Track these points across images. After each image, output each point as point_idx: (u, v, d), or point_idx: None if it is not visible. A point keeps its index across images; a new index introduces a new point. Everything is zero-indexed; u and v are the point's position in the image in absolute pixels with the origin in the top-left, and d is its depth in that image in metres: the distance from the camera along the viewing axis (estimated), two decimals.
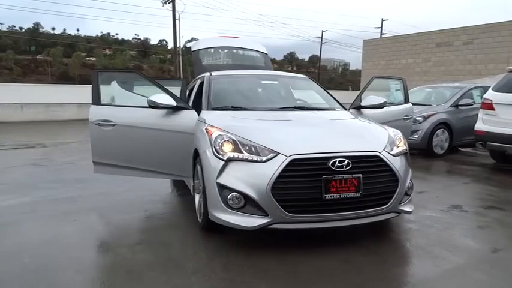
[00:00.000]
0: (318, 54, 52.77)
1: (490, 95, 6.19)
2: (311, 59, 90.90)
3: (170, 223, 3.56)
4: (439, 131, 7.41)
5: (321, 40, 49.84)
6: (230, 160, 2.85)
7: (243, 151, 2.87)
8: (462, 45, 16.61)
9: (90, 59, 63.06)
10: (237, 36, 6.22)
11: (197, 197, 3.53)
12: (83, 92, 15.25)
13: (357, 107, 4.27)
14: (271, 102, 4.09)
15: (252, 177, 2.77)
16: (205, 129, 3.25)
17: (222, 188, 2.85)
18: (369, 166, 2.90)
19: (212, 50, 5.84)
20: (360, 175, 2.83)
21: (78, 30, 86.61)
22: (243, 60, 5.88)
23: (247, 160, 2.83)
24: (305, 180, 2.76)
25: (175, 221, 3.63)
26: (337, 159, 2.80)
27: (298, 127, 3.29)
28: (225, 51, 5.93)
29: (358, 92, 5.03)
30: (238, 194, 2.79)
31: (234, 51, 5.94)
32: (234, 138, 2.95)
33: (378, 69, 20.17)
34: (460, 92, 7.99)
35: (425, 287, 2.41)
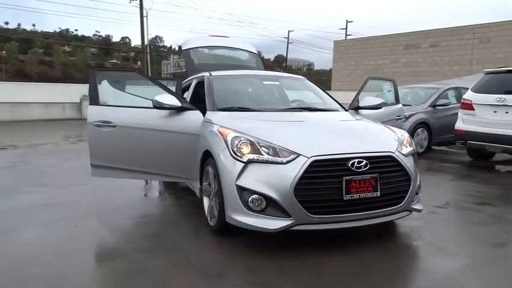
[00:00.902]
0: (284, 54, 53.34)
1: (470, 95, 6.48)
2: (276, 59, 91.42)
3: (176, 226, 3.47)
4: (419, 130, 7.68)
5: (288, 40, 50.36)
6: (250, 162, 2.82)
7: (263, 153, 2.84)
8: (429, 47, 17.33)
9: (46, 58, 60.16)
10: (227, 36, 6.16)
11: (206, 200, 3.47)
12: (48, 91, 14.63)
13: (355, 108, 4.34)
14: (277, 103, 4.09)
15: (274, 179, 2.75)
16: (218, 130, 3.20)
17: (241, 190, 2.81)
18: (385, 166, 2.95)
19: (203, 50, 5.76)
20: (377, 175, 2.88)
21: (34, 25, 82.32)
22: (234, 60, 5.84)
23: (267, 162, 2.80)
24: (326, 181, 2.77)
25: (180, 224, 3.54)
26: (356, 160, 2.83)
27: (313, 128, 3.30)
28: (217, 50, 5.87)
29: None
30: (259, 196, 2.76)
31: (226, 50, 5.89)
32: (252, 140, 2.92)
33: (348, 69, 20.66)
34: (437, 93, 8.31)
35: (450, 282, 2.49)
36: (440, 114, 8.03)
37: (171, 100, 3.63)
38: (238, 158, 2.86)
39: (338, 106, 4.22)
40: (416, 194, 3.25)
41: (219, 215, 3.06)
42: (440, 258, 2.84)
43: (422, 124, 7.74)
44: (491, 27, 15.20)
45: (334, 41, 22.27)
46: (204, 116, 3.69)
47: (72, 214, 3.78)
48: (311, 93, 4.44)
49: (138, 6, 29.00)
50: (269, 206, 2.76)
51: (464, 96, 6.66)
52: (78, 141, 9.33)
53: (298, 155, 2.78)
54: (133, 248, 2.96)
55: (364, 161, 2.85)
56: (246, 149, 2.88)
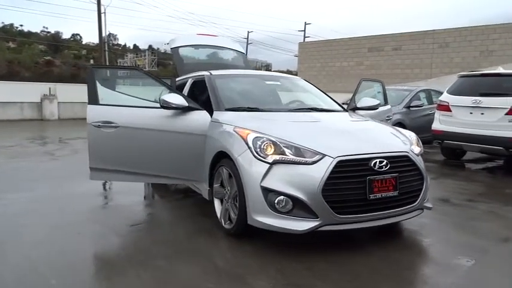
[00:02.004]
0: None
1: (446, 97, 6.80)
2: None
3: (185, 231, 3.34)
4: None
5: (247, 41, 50.49)
6: (275, 163, 2.78)
7: (287, 153, 2.81)
8: (391, 50, 18.02)
9: None
10: (215, 35, 6.07)
11: (217, 202, 3.39)
12: (3, 90, 13.68)
13: (353, 109, 4.42)
14: (284, 103, 4.06)
15: (300, 180, 2.73)
16: (235, 131, 3.13)
17: (267, 191, 2.77)
18: (402, 166, 3.02)
19: (192, 48, 5.62)
20: (396, 174, 2.94)
21: None
22: (224, 59, 5.76)
23: (293, 162, 2.78)
24: (351, 182, 2.79)
25: (188, 227, 3.40)
26: (378, 160, 2.87)
27: (330, 129, 3.31)
28: (205, 49, 5.75)
29: None
30: (286, 197, 2.73)
31: (215, 50, 5.79)
32: (274, 140, 2.88)
33: (313, 71, 21.04)
34: (410, 95, 8.66)
35: (474, 275, 2.59)
36: (415, 115, 8.38)
37: (179, 100, 3.51)
38: (262, 159, 2.81)
39: (338, 106, 4.27)
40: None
41: (238, 217, 2.99)
42: (458, 252, 2.94)
43: (398, 125, 7.98)
44: (449, 32, 16.07)
45: (299, 42, 22.61)
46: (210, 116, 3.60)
47: (71, 220, 3.54)
48: (310, 93, 4.46)
49: (95, 2, 27.85)
50: (296, 207, 2.73)
51: (440, 98, 6.98)
52: (45, 143, 8.82)
53: (324, 155, 2.78)
54: (153, 254, 2.82)
55: (385, 161, 2.90)
56: (269, 150, 2.84)
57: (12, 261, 2.67)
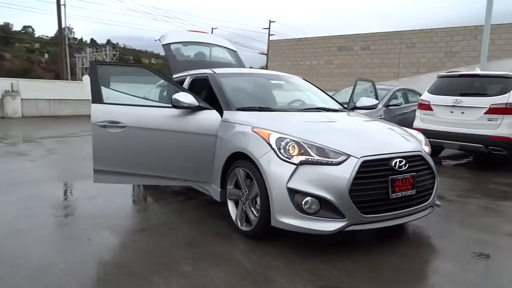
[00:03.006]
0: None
1: (427, 96, 7.05)
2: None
3: (201, 233, 3.25)
4: None
5: None
6: (301, 164, 2.76)
7: (312, 154, 2.80)
8: (360, 50, 18.49)
9: None
10: (206, 32, 5.95)
11: (232, 204, 3.34)
12: None
13: (352, 108, 4.48)
14: (295, 103, 4.04)
15: (328, 181, 2.73)
16: (254, 131, 3.08)
17: (293, 192, 2.75)
18: (417, 165, 3.10)
19: (185, 45, 5.48)
20: (414, 173, 3.02)
21: None
22: (217, 57, 5.66)
23: (319, 163, 2.77)
24: (375, 181, 2.82)
25: (203, 230, 3.32)
26: (398, 160, 2.93)
27: (348, 129, 3.34)
28: (198, 46, 5.63)
29: None
30: (313, 198, 2.72)
31: (208, 47, 5.67)
32: (298, 141, 2.87)
33: (284, 69, 21.16)
34: (388, 94, 8.90)
35: (493, 268, 2.70)
36: (393, 114, 8.62)
37: (190, 99, 3.41)
38: (288, 160, 2.79)
39: (340, 106, 4.31)
40: None
41: (260, 219, 2.95)
42: (471, 247, 3.06)
43: None
44: (416, 33, 16.71)
45: (270, 40, 22.75)
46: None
47: (80, 225, 3.36)
48: (311, 93, 4.47)
49: None
50: (322, 208, 2.73)
51: (421, 97, 7.24)
52: (15, 144, 8.33)
53: (349, 155, 2.79)
54: (175, 260, 2.72)
55: (404, 161, 2.96)
56: (294, 151, 2.82)
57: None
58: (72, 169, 5.75)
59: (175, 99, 3.35)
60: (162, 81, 5.06)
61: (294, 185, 2.75)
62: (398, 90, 9.39)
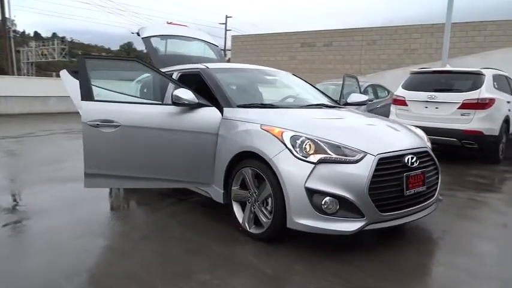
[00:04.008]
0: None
1: (402, 92, 7.22)
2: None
3: (206, 238, 3.07)
4: None
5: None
6: (320, 162, 2.67)
7: (329, 152, 2.71)
8: (323, 46, 18.74)
9: None
10: (186, 25, 5.68)
11: (237, 206, 3.19)
12: None
13: (344, 104, 4.46)
14: (294, 99, 3.93)
15: (346, 179, 2.65)
16: (264, 129, 2.95)
17: (312, 192, 2.65)
18: (425, 161, 3.11)
19: (166, 39, 5.20)
20: (424, 169, 3.02)
21: None
22: (199, 52, 5.43)
23: (337, 161, 2.69)
24: (391, 179, 2.79)
25: (207, 234, 3.14)
26: (410, 156, 2.92)
27: (357, 126, 3.27)
28: (179, 40, 5.36)
29: None
30: (333, 198, 2.63)
31: (189, 41, 5.43)
32: (313, 138, 2.77)
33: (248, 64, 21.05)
34: (360, 90, 9.05)
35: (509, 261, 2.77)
36: (365, 110, 8.79)
37: (189, 95, 3.21)
38: (305, 159, 2.68)
39: (334, 102, 4.26)
40: None
41: (273, 221, 2.83)
42: (478, 240, 3.12)
43: None
44: (376, 31, 17.19)
45: (232, 36, 22.47)
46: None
47: (72, 232, 3.06)
48: (305, 89, 4.38)
49: None
50: (342, 207, 2.66)
51: (396, 93, 7.40)
52: None
53: (365, 153, 2.74)
54: (189, 268, 2.53)
55: (415, 157, 2.96)
56: (310, 149, 2.72)
57: None
58: (47, 172, 5.30)
59: (177, 95, 3.14)
60: (143, 76, 4.82)
61: (312, 184, 2.65)
62: (368, 86, 9.59)
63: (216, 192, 3.34)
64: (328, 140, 2.79)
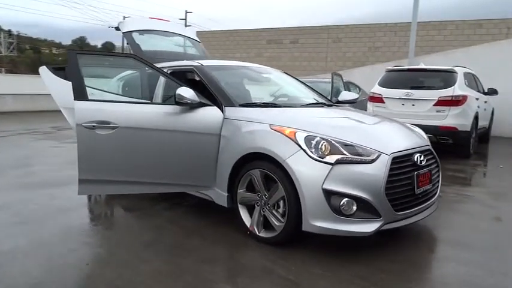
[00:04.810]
0: (113, 41, 50.08)
1: (379, 90, 7.36)
2: (104, 45, 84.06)
3: (215, 245, 2.94)
4: None
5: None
6: (337, 163, 2.61)
7: (345, 152, 2.66)
8: (289, 43, 18.84)
9: None
10: (168, 20, 5.44)
11: (244, 209, 3.09)
12: None
13: (336, 103, 4.44)
14: (293, 98, 3.84)
15: (363, 180, 2.61)
16: (274, 129, 2.85)
17: (329, 194, 2.58)
18: (430, 159, 3.14)
19: (148, 34, 4.95)
20: (430, 167, 3.05)
21: None
22: (183, 48, 5.22)
23: (354, 162, 2.64)
24: (403, 178, 2.78)
25: (214, 239, 3.01)
26: (418, 154, 2.93)
27: (364, 125, 3.24)
28: (162, 36, 5.12)
29: None
30: (351, 199, 2.59)
31: (172, 37, 5.20)
32: (327, 139, 2.70)
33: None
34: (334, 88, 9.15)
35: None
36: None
37: (191, 94, 3.05)
38: (321, 159, 2.62)
39: (329, 101, 4.24)
40: None
41: (287, 224, 2.74)
42: (484, 235, 3.20)
43: None
44: (342, 28, 17.49)
45: (197, 31, 22.02)
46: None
47: (71, 247, 2.80)
48: (298, 87, 4.31)
49: None
50: (359, 208, 2.61)
51: (373, 90, 7.53)
52: None
53: (380, 152, 2.71)
54: (207, 278, 2.39)
55: (422, 155, 2.97)
56: (326, 149, 2.65)
57: None
58: (17, 177, 4.88)
59: (180, 94, 2.97)
60: (125, 73, 4.56)
61: (330, 185, 2.58)
62: (345, 83, 9.71)
63: (219, 196, 3.20)
64: (342, 139, 2.73)
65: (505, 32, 14.13)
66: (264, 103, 3.40)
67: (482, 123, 7.96)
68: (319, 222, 2.61)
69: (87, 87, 3.14)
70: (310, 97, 4.01)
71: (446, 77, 6.92)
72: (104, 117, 2.89)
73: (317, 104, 3.76)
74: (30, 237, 2.94)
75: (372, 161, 2.67)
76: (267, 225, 2.94)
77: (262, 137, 2.89)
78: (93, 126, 2.86)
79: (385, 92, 7.26)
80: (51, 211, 3.54)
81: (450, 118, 6.59)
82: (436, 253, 2.93)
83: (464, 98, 6.71)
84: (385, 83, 7.42)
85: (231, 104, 3.26)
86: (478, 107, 7.40)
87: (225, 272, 2.50)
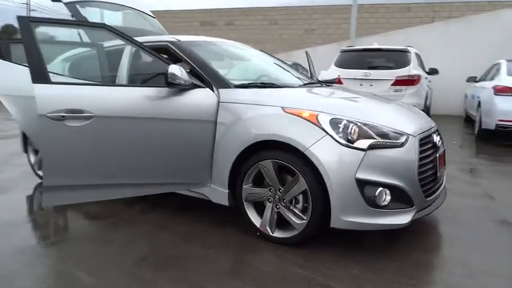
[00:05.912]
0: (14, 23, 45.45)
1: (335, 70, 7.23)
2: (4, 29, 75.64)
3: (220, 250, 2.49)
4: None
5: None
6: (370, 149, 2.29)
7: (375, 136, 2.35)
8: (224, 25, 18.23)
9: None
10: None
11: (251, 207, 2.67)
12: None
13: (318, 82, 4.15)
14: (289, 77, 3.42)
15: (397, 165, 2.33)
16: (289, 112, 2.44)
17: (363, 184, 2.26)
18: (440, 139, 2.97)
19: (95, 7, 4.19)
20: (444, 149, 2.88)
21: None
22: (138, 23, 4.54)
23: (386, 146, 2.34)
24: (429, 160, 2.55)
25: (217, 244, 2.55)
26: (434, 135, 2.75)
27: (379, 105, 2.94)
28: (110, 10, 4.38)
29: None
30: (386, 189, 2.29)
31: (121, 10, 4.48)
32: (355, 121, 2.37)
33: None
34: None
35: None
36: None
37: (184, 74, 2.52)
38: (352, 145, 2.28)
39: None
40: None
41: (310, 221, 2.38)
42: (489, 231, 3.13)
43: None
44: (278, 11, 17.29)
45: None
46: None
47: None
48: (277, 65, 3.90)
49: None
50: (393, 198, 2.33)
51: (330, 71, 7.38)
52: None
53: (408, 134, 2.44)
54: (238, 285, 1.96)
55: (438, 135, 2.79)
56: (355, 133, 2.32)
57: None
58: None
59: (174, 74, 2.42)
60: (74, 52, 3.80)
61: (364, 174, 2.26)
62: (291, 64, 9.48)
63: (217, 193, 2.73)
64: (370, 122, 2.41)
65: (431, 15, 15.00)
66: (261, 83, 2.96)
67: (429, 101, 8.28)
68: (352, 217, 2.29)
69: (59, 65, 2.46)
70: (302, 77, 3.65)
71: (401, 57, 6.99)
72: (76, 105, 2.25)
73: (316, 84, 3.41)
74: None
75: (402, 144, 2.39)
76: (280, 224, 2.55)
77: (275, 122, 2.46)
78: (62, 116, 2.21)
79: (342, 72, 7.15)
80: (4, 224, 2.79)
81: (407, 97, 6.68)
82: (461, 250, 2.77)
83: (419, 77, 6.85)
84: (342, 64, 7.33)
85: (226, 86, 2.77)
86: (428, 86, 7.65)
87: (248, 282, 2.07)
